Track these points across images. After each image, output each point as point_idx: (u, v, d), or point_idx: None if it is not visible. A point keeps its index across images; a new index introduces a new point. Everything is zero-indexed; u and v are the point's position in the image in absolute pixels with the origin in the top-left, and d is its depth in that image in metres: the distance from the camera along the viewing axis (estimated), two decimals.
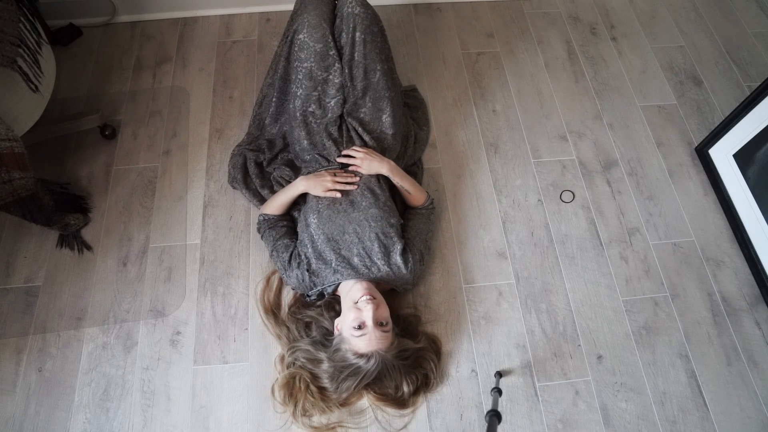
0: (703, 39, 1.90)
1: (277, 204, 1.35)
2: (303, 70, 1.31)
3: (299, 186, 1.32)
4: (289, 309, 1.30)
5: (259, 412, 1.22)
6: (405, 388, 1.16)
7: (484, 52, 1.84)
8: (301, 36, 1.30)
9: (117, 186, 1.51)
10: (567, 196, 1.55)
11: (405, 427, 1.20)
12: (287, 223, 1.36)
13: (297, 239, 1.31)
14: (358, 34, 1.29)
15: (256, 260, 1.41)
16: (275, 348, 1.29)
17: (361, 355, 1.10)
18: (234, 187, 1.50)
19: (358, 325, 1.10)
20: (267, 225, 1.35)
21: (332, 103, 1.33)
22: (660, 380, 1.28)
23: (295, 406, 1.15)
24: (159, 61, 1.76)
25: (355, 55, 1.30)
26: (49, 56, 1.35)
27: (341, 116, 1.35)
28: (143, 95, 1.68)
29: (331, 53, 1.30)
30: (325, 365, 1.13)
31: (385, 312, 1.14)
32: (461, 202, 1.52)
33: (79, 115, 1.54)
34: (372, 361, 1.09)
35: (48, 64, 1.32)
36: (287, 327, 1.26)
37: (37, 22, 1.33)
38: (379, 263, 1.21)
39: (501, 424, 1.15)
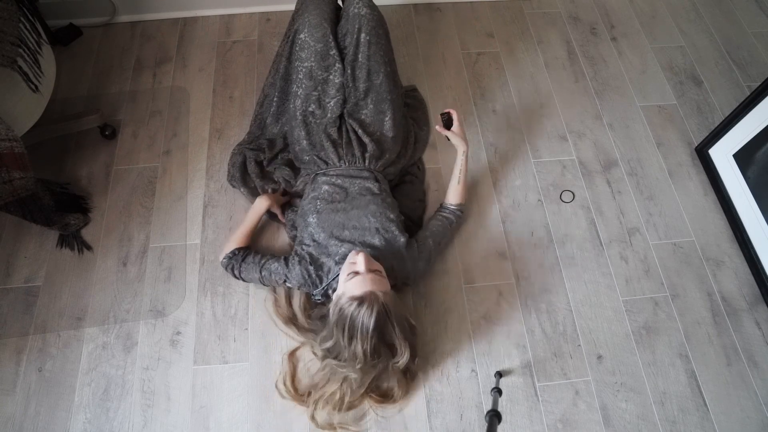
0: (703, 39, 1.90)
1: (244, 232, 1.34)
2: (303, 70, 1.32)
3: (261, 204, 1.37)
4: (304, 312, 1.27)
5: (259, 412, 1.22)
6: (404, 350, 1.10)
7: (484, 52, 1.84)
8: (302, 35, 1.30)
9: (117, 186, 1.51)
10: (567, 196, 1.55)
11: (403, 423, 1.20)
12: (256, 251, 1.32)
13: (280, 256, 1.28)
14: (363, 35, 1.29)
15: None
16: (275, 348, 1.29)
17: (357, 299, 1.05)
18: (233, 185, 1.50)
19: (352, 273, 1.09)
20: (240, 258, 1.28)
21: (332, 103, 1.33)
22: (660, 380, 1.28)
23: (316, 400, 1.15)
24: (159, 61, 1.76)
25: (359, 56, 1.31)
26: (49, 56, 1.35)
27: (341, 117, 1.35)
28: (143, 95, 1.68)
29: (331, 53, 1.30)
30: (329, 335, 1.10)
31: (377, 265, 1.13)
32: None
33: (79, 115, 1.54)
34: (367, 305, 1.04)
35: (48, 64, 1.32)
36: (312, 331, 1.23)
37: (37, 22, 1.34)
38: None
39: (501, 424, 1.15)
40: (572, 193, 1.55)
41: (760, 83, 1.35)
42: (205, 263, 1.40)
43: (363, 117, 1.35)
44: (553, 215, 1.51)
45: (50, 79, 1.33)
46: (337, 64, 1.31)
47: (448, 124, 1.36)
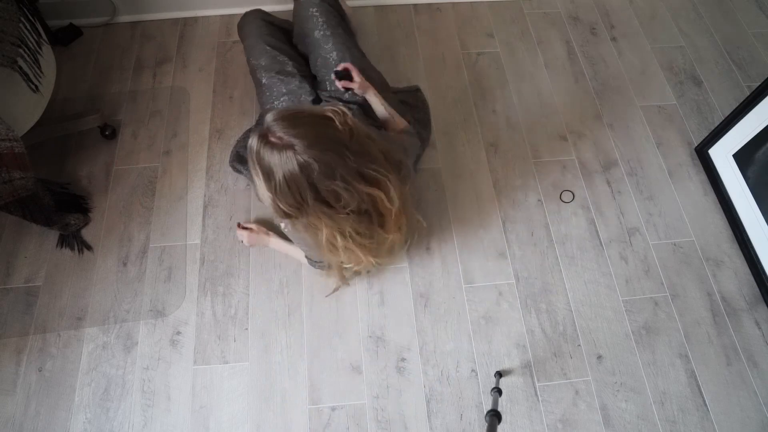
0: (703, 39, 1.90)
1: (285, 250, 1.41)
2: (266, 86, 1.40)
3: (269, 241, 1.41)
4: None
5: (259, 412, 1.22)
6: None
7: (484, 52, 1.84)
8: (252, 61, 1.44)
9: (117, 186, 1.51)
10: (567, 196, 1.55)
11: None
12: None
13: None
14: (316, 32, 1.39)
15: (257, 260, 1.41)
16: (275, 348, 1.29)
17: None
18: (234, 169, 1.51)
19: None
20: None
21: (303, 95, 1.37)
22: (660, 380, 1.28)
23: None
24: (159, 61, 1.76)
25: (321, 51, 1.39)
26: (50, 56, 1.35)
27: (318, 98, 1.40)
28: (143, 95, 1.68)
29: (279, 59, 1.40)
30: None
31: None
32: (461, 202, 1.52)
33: (79, 115, 1.54)
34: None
35: (48, 64, 1.33)
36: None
37: (37, 22, 1.34)
38: None
39: (501, 424, 1.15)
40: (572, 193, 1.55)
41: (760, 83, 1.35)
42: (205, 263, 1.40)
43: (342, 98, 1.39)
44: (553, 215, 1.51)
45: (50, 79, 1.33)
46: (287, 61, 1.40)
47: (347, 77, 1.29)
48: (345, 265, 1.19)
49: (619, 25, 1.93)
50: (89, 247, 1.41)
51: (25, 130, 1.25)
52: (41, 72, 1.27)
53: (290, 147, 0.86)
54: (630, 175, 1.59)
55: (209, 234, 1.44)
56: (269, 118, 0.90)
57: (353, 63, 1.35)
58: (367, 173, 0.95)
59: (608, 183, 1.57)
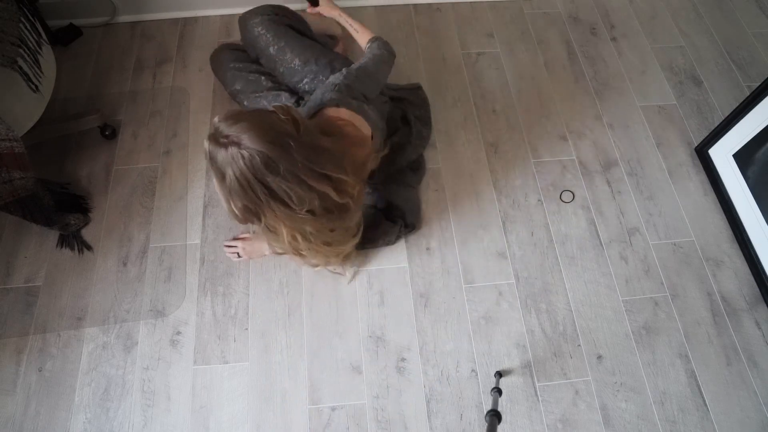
0: (703, 39, 1.90)
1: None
2: (251, 101, 1.45)
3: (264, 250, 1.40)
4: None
5: (259, 412, 1.22)
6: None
7: (484, 52, 1.84)
8: (229, 89, 1.51)
9: (117, 186, 1.51)
10: (567, 196, 1.55)
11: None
12: None
13: None
14: (270, 49, 1.41)
15: (256, 260, 1.41)
16: (275, 348, 1.29)
17: None
18: None
19: None
20: None
21: (282, 97, 1.42)
22: (660, 380, 1.28)
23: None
24: (159, 61, 1.76)
25: (283, 63, 1.42)
26: (50, 56, 1.35)
27: (299, 98, 1.43)
28: (143, 95, 1.68)
29: (251, 78, 1.45)
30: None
31: None
32: (461, 202, 1.52)
33: (79, 115, 1.54)
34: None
35: (48, 64, 1.33)
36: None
37: (37, 22, 1.34)
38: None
39: (501, 424, 1.15)
40: (572, 193, 1.55)
41: (760, 83, 1.35)
42: (205, 263, 1.40)
43: (307, 87, 1.44)
44: (553, 215, 1.51)
45: (50, 79, 1.33)
46: (259, 77, 1.44)
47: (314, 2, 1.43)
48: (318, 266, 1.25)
49: (619, 25, 1.93)
50: (89, 247, 1.41)
51: (25, 130, 1.25)
52: (41, 72, 1.27)
53: (236, 143, 0.87)
54: (630, 175, 1.59)
55: (209, 234, 1.44)
56: (215, 120, 0.92)
57: (317, 62, 1.39)
58: (315, 168, 0.95)
59: (608, 183, 1.57)
